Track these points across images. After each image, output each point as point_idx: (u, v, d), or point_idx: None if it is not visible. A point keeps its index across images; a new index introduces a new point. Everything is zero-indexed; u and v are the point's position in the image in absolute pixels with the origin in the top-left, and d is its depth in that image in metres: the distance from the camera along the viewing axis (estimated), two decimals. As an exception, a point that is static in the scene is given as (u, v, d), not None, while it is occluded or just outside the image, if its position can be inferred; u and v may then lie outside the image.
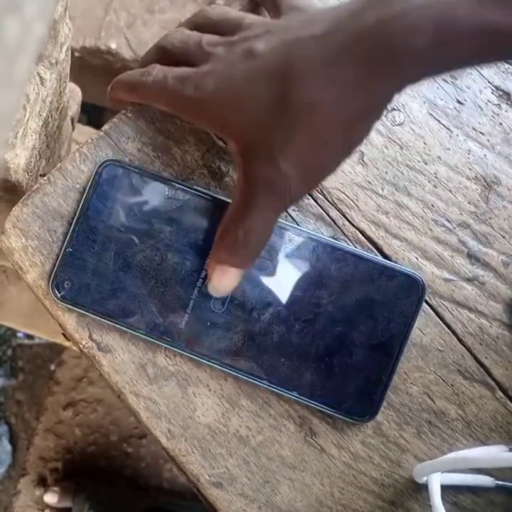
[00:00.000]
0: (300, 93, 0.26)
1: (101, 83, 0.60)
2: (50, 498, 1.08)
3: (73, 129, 0.58)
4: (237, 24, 0.31)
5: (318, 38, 0.26)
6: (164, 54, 0.32)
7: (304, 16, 0.29)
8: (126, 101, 0.34)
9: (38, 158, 0.40)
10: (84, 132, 0.78)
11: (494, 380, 0.33)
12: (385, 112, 0.35)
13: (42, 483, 1.15)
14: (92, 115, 1.04)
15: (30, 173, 0.38)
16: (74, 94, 0.59)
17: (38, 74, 0.37)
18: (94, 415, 1.18)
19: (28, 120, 0.36)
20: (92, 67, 0.91)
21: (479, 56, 0.26)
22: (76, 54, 0.88)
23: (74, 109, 0.58)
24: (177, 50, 0.31)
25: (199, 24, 0.33)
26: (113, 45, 0.88)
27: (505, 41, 0.25)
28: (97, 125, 0.34)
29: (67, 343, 0.91)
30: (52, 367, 1.23)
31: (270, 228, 0.29)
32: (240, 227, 0.29)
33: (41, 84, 0.37)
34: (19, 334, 1.26)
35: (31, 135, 0.37)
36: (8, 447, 1.21)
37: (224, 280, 0.30)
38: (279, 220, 0.33)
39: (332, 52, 0.26)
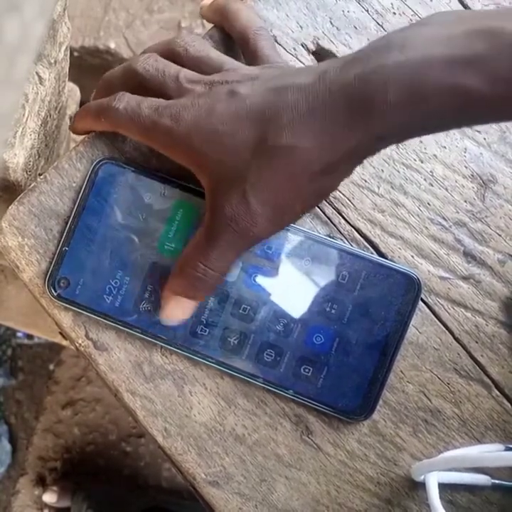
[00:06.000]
0: (280, 137, 0.27)
1: (99, 83, 0.60)
2: (49, 497, 1.09)
3: (72, 128, 0.58)
4: (217, 66, 0.31)
5: (302, 87, 0.27)
6: (134, 78, 0.31)
7: (285, 69, 0.30)
8: (90, 130, 0.34)
9: (36, 157, 0.40)
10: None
11: (490, 378, 0.33)
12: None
13: (41, 482, 1.15)
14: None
15: (28, 173, 0.38)
16: (73, 94, 0.59)
17: (37, 73, 0.37)
18: (92, 414, 1.18)
19: (27, 120, 0.36)
20: (91, 66, 0.91)
21: (452, 116, 0.26)
22: (75, 54, 0.88)
23: (73, 108, 0.58)
24: (150, 78, 0.31)
25: (175, 54, 0.32)
26: (112, 45, 0.88)
27: (476, 105, 0.25)
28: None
29: (65, 342, 0.91)
30: (52, 366, 1.24)
31: (230, 266, 0.30)
32: (201, 262, 0.29)
33: (40, 83, 0.37)
34: (19, 334, 1.27)
35: (30, 134, 0.37)
36: (8, 447, 1.21)
37: (178, 310, 0.30)
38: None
39: (313, 102, 0.27)
